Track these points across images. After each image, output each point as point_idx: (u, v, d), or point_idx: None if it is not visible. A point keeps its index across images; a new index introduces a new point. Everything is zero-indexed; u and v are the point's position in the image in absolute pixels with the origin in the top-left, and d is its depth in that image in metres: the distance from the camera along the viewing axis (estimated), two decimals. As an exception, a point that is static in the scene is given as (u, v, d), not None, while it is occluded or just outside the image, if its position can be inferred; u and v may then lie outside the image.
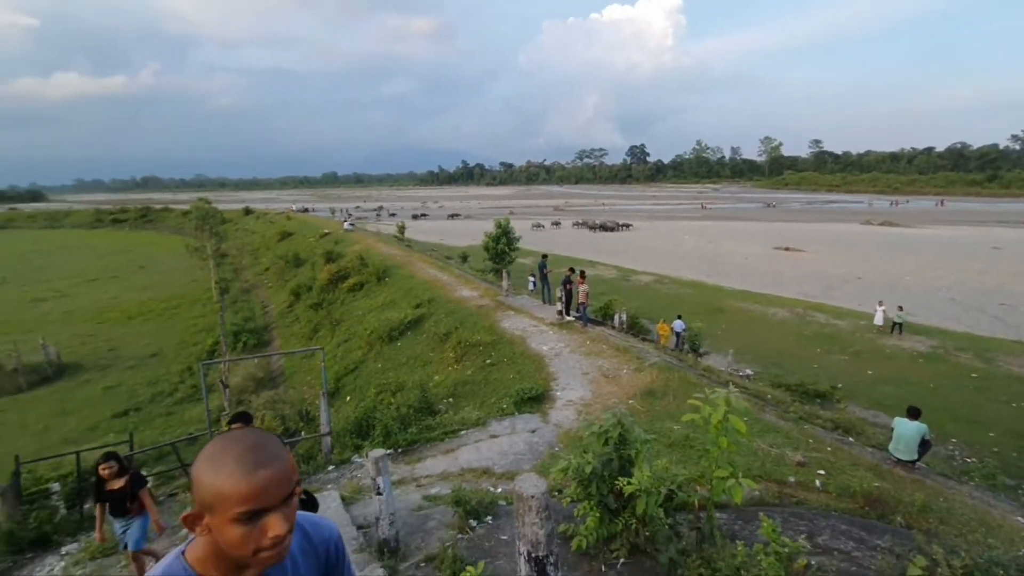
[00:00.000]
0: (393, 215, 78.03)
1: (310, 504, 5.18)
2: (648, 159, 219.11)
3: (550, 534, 2.43)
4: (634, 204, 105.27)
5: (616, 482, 3.65)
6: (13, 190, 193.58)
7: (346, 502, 6.89)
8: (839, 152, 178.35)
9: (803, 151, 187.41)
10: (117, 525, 5.22)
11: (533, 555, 2.41)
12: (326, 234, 42.42)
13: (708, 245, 45.96)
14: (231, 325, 24.75)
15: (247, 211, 74.80)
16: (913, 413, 7.74)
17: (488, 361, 13.55)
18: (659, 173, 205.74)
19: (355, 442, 9.57)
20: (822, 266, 35.31)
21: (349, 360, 18.49)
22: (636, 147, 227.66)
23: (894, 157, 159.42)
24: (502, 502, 5.97)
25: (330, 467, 8.67)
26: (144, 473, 10.89)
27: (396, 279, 24.76)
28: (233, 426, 4.94)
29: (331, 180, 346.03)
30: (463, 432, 9.15)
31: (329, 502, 6.69)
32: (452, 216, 79.06)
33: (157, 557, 5.54)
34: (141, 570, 5.34)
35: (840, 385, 14.92)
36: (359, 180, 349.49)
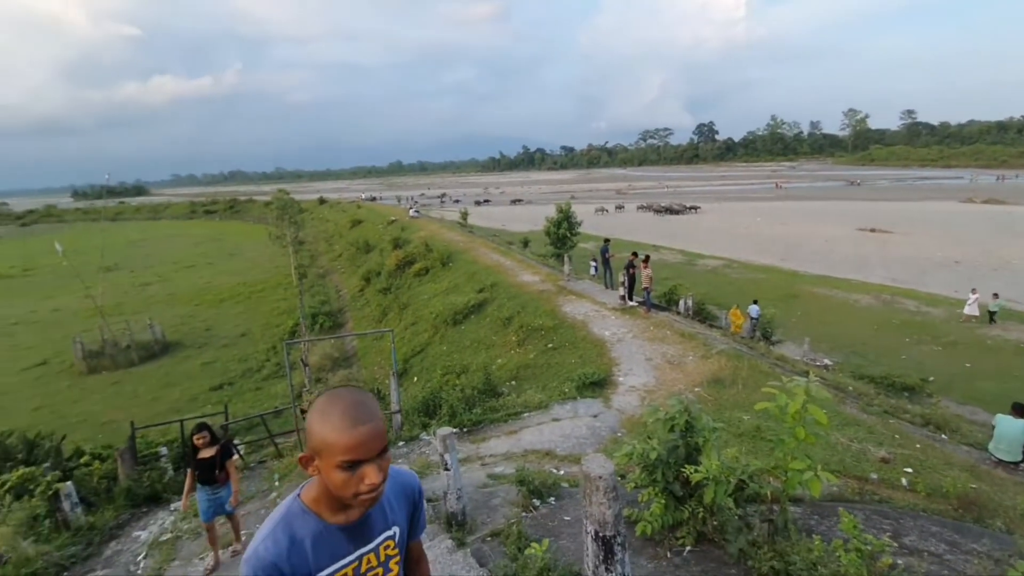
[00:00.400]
0: (457, 201, 79.40)
1: None
2: (717, 137, 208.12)
3: (617, 515, 2.47)
4: (701, 185, 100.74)
5: (682, 469, 3.62)
6: (121, 186, 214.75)
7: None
8: (935, 123, 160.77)
9: (893, 123, 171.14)
10: (202, 494, 5.51)
11: (600, 534, 2.46)
12: (393, 221, 43.87)
13: (782, 227, 43.28)
14: (309, 308, 26.40)
15: (321, 200, 78.79)
16: (1018, 410, 7.03)
17: (550, 345, 13.63)
18: (729, 152, 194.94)
19: (423, 420, 9.97)
20: (914, 249, 32.34)
21: (416, 342, 19.21)
22: (704, 125, 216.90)
23: (1001, 127, 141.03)
24: (565, 484, 6.06)
25: (400, 443, 9.11)
26: (237, 442, 11.98)
27: (460, 264, 25.30)
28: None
29: (397, 169, 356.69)
30: (526, 414, 9.31)
31: (400, 476, 7.07)
32: (515, 201, 79.28)
33: (235, 531, 5.96)
34: (215, 537, 5.72)
35: (932, 378, 13.74)
36: (423, 168, 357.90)
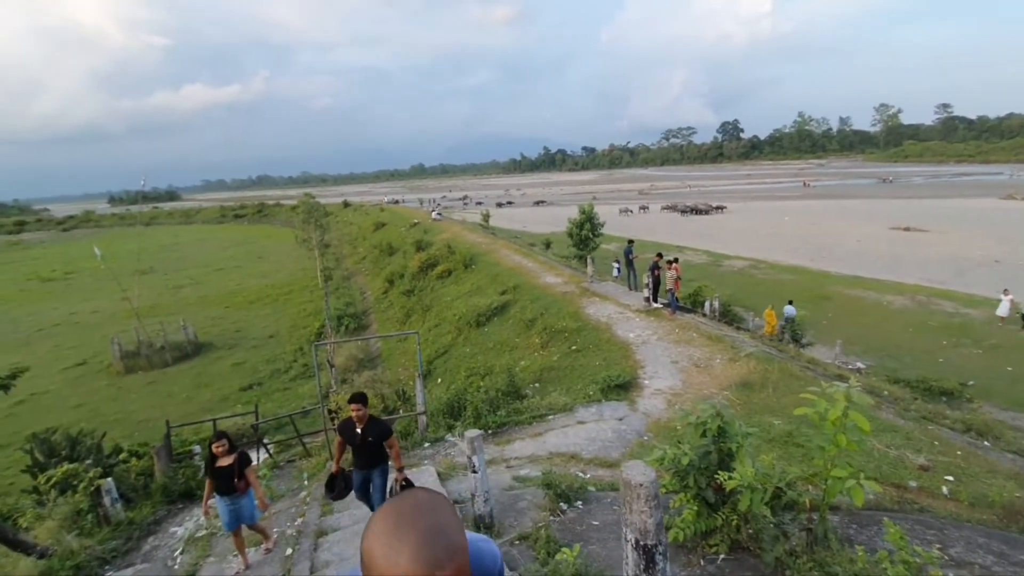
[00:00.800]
0: (479, 203, 79.70)
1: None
2: (742, 135, 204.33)
3: (659, 523, 2.43)
4: (726, 184, 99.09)
5: (716, 476, 3.56)
6: (155, 191, 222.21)
7: (441, 477, 7.30)
8: (972, 117, 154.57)
9: (927, 118, 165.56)
10: (221, 504, 5.34)
11: (641, 543, 2.43)
12: (415, 224, 44.27)
13: (811, 226, 42.23)
14: (334, 310, 26.83)
15: (345, 204, 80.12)
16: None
17: (573, 347, 13.56)
18: (754, 150, 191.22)
19: (448, 422, 10.03)
20: (950, 248, 31.18)
21: (439, 344, 19.34)
22: (728, 123, 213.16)
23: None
24: (592, 488, 6.03)
25: (425, 444, 9.19)
26: (266, 441, 12.27)
27: (482, 266, 25.39)
28: (352, 407, 4.98)
29: (419, 172, 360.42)
30: (550, 417, 9.28)
31: (426, 477, 7.12)
32: (537, 203, 79.31)
33: (263, 533, 5.88)
34: (242, 544, 5.61)
35: (972, 382, 13.23)
36: (445, 171, 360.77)
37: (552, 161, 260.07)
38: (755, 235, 39.39)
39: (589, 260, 20.49)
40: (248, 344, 25.65)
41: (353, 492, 5.35)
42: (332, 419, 10.30)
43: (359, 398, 5.02)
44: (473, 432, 5.31)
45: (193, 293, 38.08)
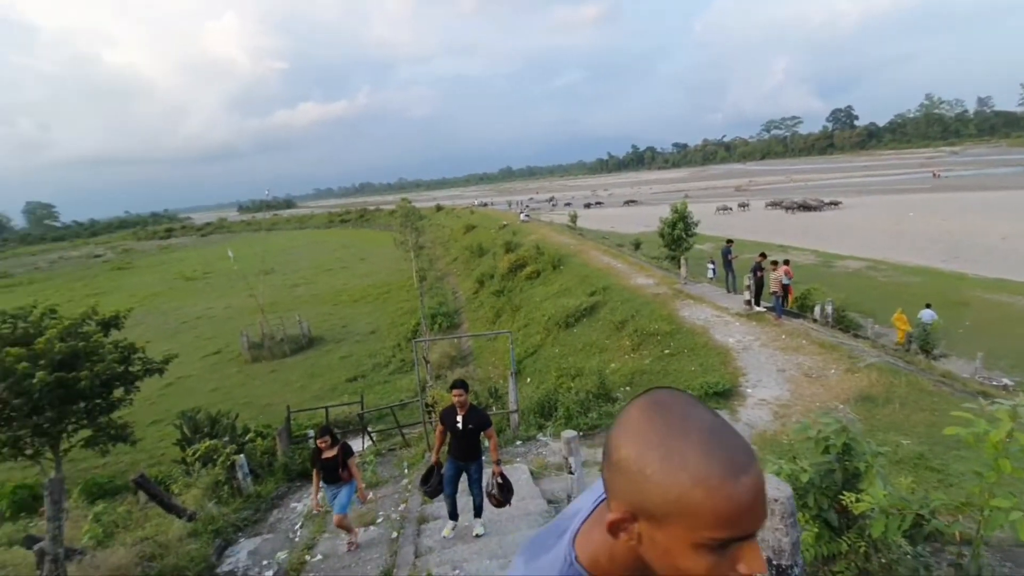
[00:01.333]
0: (568, 204, 79.51)
1: (506, 488, 5.32)
2: (856, 123, 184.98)
3: (795, 542, 2.30)
4: (839, 177, 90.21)
5: (840, 497, 3.27)
6: (275, 200, 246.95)
7: (534, 476, 7.39)
8: None
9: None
10: (328, 492, 5.78)
11: (775, 563, 2.31)
12: (504, 226, 45.02)
13: (942, 222, 37.24)
14: (428, 309, 28.10)
15: (438, 208, 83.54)
16: None
17: (666, 351, 13.10)
18: (872, 138, 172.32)
19: (538, 421, 10.13)
20: None
21: (528, 344, 19.55)
22: (840, 110, 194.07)
23: None
24: (692, 498, 5.80)
25: (517, 442, 9.35)
26: (369, 430, 13.16)
27: (570, 267, 25.30)
28: (454, 392, 5.06)
29: (507, 175, 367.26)
30: (644, 422, 9.04)
31: (519, 475, 7.24)
32: (628, 203, 77.63)
33: (350, 529, 6.04)
34: (347, 531, 5.95)
35: None
36: (532, 173, 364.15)
37: (640, 159, 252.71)
38: (873, 232, 35.51)
39: (682, 261, 19.67)
40: (353, 339, 27.67)
41: (445, 489, 5.35)
42: (429, 412, 10.81)
43: (461, 384, 5.10)
44: (570, 433, 5.32)
45: (306, 291, 41.78)
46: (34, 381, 10.35)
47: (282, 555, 6.67)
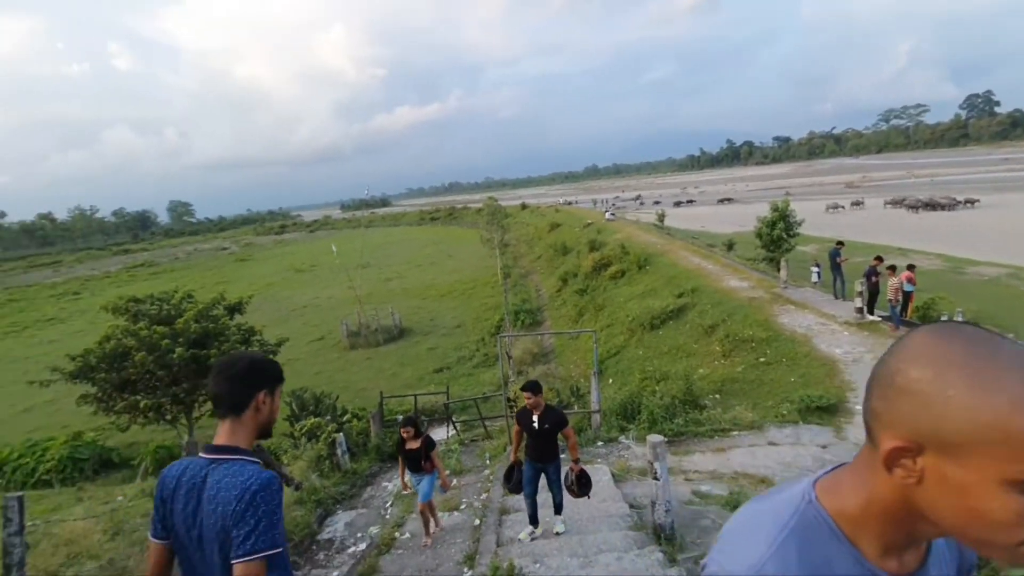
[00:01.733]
0: (657, 203, 77.03)
1: (585, 482, 5.32)
2: (997, 110, 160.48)
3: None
4: (974, 172, 79.05)
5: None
6: (373, 199, 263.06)
7: (615, 478, 7.30)
8: None
9: None
10: (413, 479, 5.94)
11: None
12: (589, 224, 44.57)
13: (1118, 224, 31.36)
14: (512, 305, 28.59)
15: (523, 206, 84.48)
16: None
17: (761, 359, 12.33)
18: (1016, 127, 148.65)
19: (620, 423, 9.94)
20: None
21: (611, 344, 19.27)
22: (977, 96, 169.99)
23: None
24: (788, 517, 5.45)
25: (599, 443, 9.26)
26: (454, 419, 13.69)
27: (657, 267, 24.53)
28: (526, 395, 5.03)
29: (592, 173, 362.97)
30: (735, 433, 8.61)
31: (600, 475, 7.18)
32: (723, 201, 73.57)
33: (434, 516, 6.17)
34: (427, 519, 6.06)
35: None
36: (618, 171, 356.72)
37: (736, 155, 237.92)
38: (1017, 236, 30.76)
39: (782, 263, 18.35)
40: (440, 332, 28.89)
41: (524, 489, 5.32)
42: (511, 407, 11.04)
43: (531, 387, 4.99)
44: (656, 438, 5.21)
45: (399, 285, 44.18)
46: (174, 356, 11.99)
47: (374, 529, 7.16)
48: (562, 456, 5.39)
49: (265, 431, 1.66)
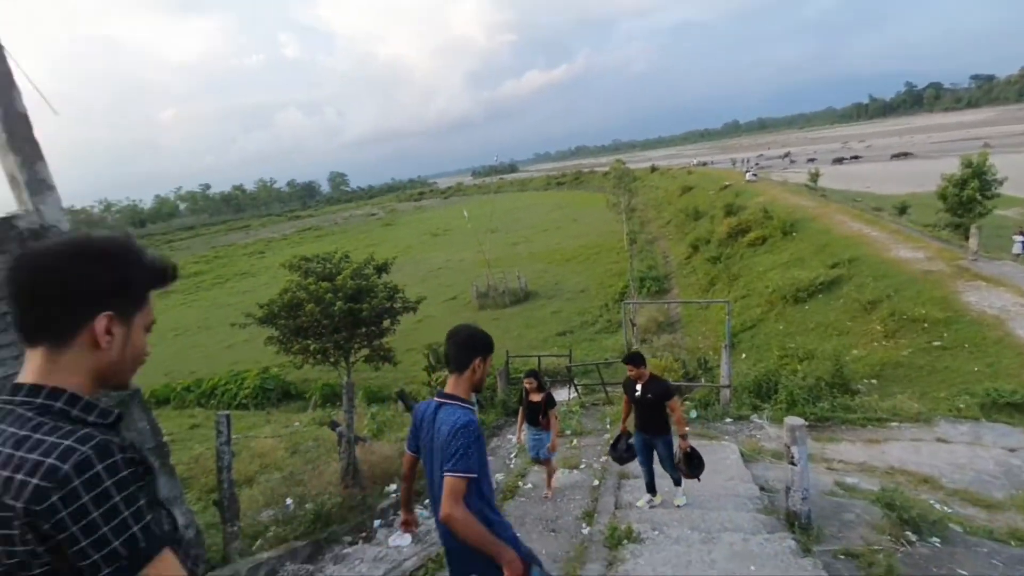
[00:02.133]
0: (811, 160, 68.23)
1: (695, 462, 5.08)
2: None
3: None
4: None
5: None
6: (502, 165, 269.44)
7: (744, 458, 6.96)
8: None
9: None
10: (528, 433, 6.06)
11: None
12: (726, 186, 41.30)
13: None
14: (637, 272, 27.89)
15: (652, 169, 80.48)
16: None
17: (935, 343, 10.67)
18: None
19: (753, 401, 9.40)
20: None
21: (746, 317, 17.98)
22: None
23: None
24: (956, 526, 4.80)
25: (728, 419, 8.86)
26: (575, 382, 13.97)
27: (806, 234, 22.01)
28: (628, 367, 5.03)
29: (732, 129, 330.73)
30: (894, 424, 7.65)
31: (728, 453, 6.91)
32: (898, 156, 62.80)
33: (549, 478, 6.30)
34: (551, 471, 6.23)
35: None
36: (763, 125, 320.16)
37: (918, 99, 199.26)
38: None
39: (973, 230, 15.33)
40: (563, 296, 29.28)
41: (638, 457, 5.32)
42: (630, 375, 10.97)
43: (632, 359, 4.95)
44: (796, 420, 4.86)
45: (525, 249, 45.32)
46: (335, 308, 13.80)
47: (500, 476, 7.74)
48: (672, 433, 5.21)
49: (478, 388, 2.15)
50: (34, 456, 0.83)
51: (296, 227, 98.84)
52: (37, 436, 0.85)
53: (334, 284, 14.28)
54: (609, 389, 12.85)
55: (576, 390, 13.40)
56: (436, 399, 2.08)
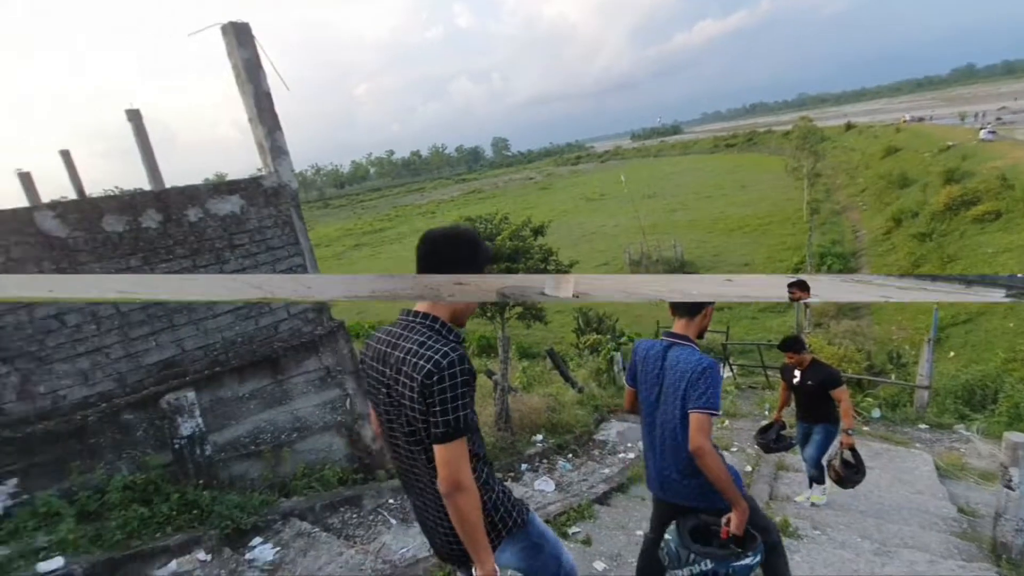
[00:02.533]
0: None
1: (855, 466, 4.43)
2: None
3: None
4: None
5: None
6: (664, 127, 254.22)
7: (940, 472, 6.03)
8: None
9: None
10: None
11: None
12: (948, 147, 34.01)
13: None
14: (817, 247, 24.90)
15: (848, 126, 68.89)
16: None
17: None
18: None
19: (959, 408, 8.11)
20: None
21: (960, 308, 15.03)
22: None
23: None
24: None
25: (922, 425, 7.73)
26: (731, 361, 13.12)
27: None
28: (786, 354, 4.72)
29: (964, 76, 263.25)
30: None
31: (919, 463, 6.07)
32: None
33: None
34: None
35: None
36: (1009, 70, 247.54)
37: None
38: None
39: None
40: (723, 268, 27.25)
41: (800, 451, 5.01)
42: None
43: (790, 345, 4.61)
44: (1019, 437, 4.06)
45: (683, 217, 42.81)
46: (495, 267, 14.87)
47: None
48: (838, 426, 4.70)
49: (702, 333, 2.24)
50: (428, 353, 1.37)
51: (462, 190, 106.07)
52: (430, 342, 1.40)
53: (495, 244, 15.26)
54: (770, 373, 11.87)
55: (731, 369, 12.63)
56: (665, 339, 2.19)
